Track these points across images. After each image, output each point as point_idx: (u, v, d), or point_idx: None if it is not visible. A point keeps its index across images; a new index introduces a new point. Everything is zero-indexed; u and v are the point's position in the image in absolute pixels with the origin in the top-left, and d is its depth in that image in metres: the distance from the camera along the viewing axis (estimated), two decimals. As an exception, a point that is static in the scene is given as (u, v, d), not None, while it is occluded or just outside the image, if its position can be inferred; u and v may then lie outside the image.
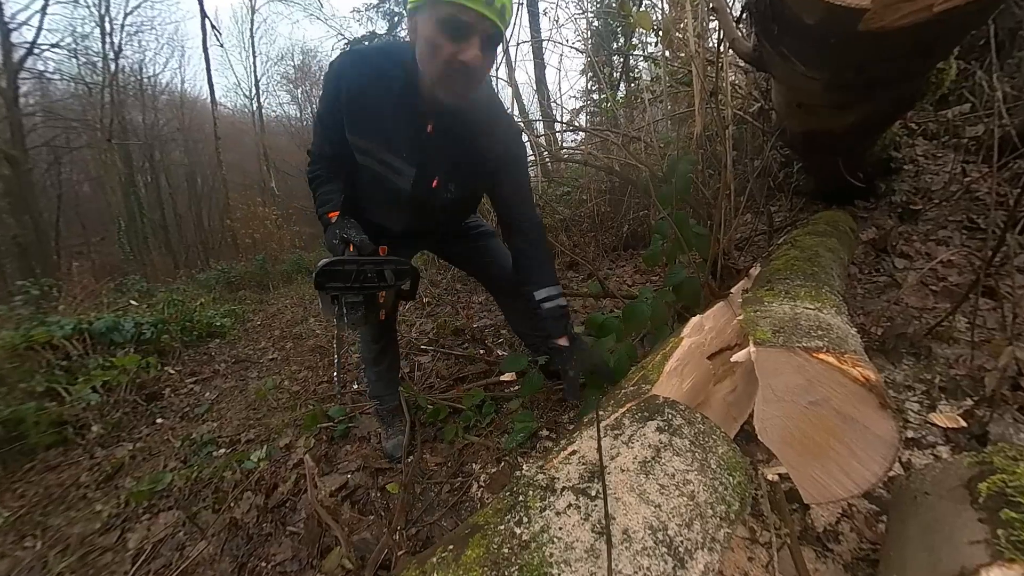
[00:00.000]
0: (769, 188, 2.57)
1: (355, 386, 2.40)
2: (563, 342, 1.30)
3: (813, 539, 0.93)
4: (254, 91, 18.23)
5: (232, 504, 1.57)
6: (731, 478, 0.64)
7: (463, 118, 1.13)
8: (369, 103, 1.10)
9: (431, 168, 1.18)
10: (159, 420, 2.68)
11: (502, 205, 1.33)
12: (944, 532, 0.62)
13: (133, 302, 4.83)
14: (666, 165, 1.68)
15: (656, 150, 2.58)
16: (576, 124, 3.94)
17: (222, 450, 2.07)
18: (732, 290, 1.29)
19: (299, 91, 21.33)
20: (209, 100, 12.39)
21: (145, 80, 15.89)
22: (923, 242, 2.00)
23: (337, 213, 1.18)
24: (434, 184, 1.21)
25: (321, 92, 1.18)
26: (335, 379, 2.43)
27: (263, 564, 1.29)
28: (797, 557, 0.78)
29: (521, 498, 0.60)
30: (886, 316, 1.61)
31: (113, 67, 13.44)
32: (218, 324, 4.66)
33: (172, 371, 3.51)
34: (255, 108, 18.22)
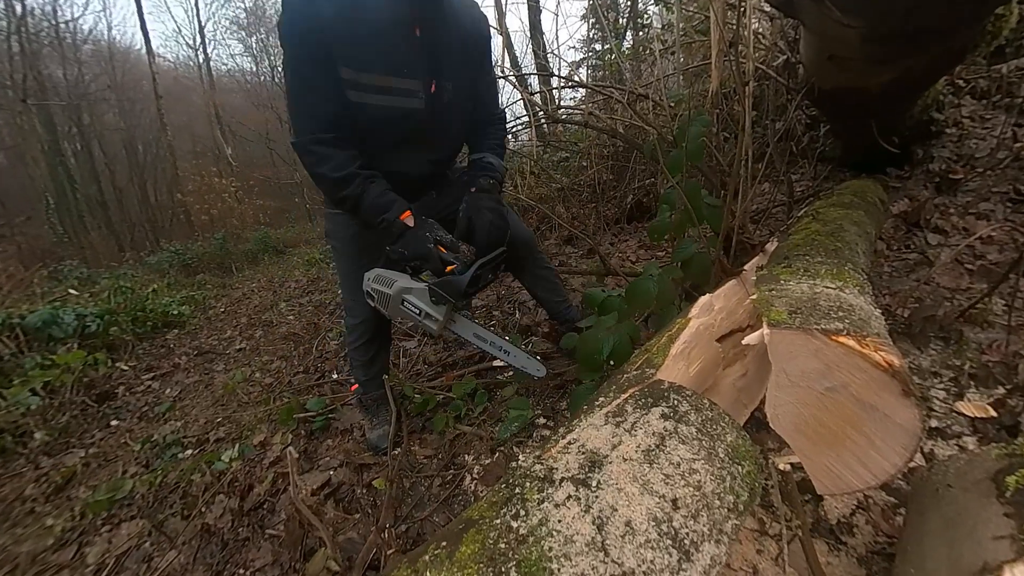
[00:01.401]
0: (791, 154, 2.56)
1: (334, 376, 2.42)
2: (472, 188, 1.33)
3: (826, 531, 0.98)
4: (199, 40, 17.36)
5: (203, 509, 1.60)
6: (740, 467, 0.67)
7: (441, 9, 1.16)
8: (357, 28, 1.08)
9: (430, 72, 1.20)
10: (114, 422, 2.69)
11: (476, 101, 1.37)
12: (967, 526, 0.66)
13: (72, 291, 4.76)
14: (676, 127, 1.67)
15: (666, 110, 2.54)
16: (576, 79, 3.86)
17: (189, 451, 2.09)
18: (746, 267, 1.31)
19: (252, 40, 20.26)
20: (144, 51, 11.83)
21: (62, 26, 14.74)
22: (961, 216, 2.00)
23: (410, 213, 1.19)
24: (432, 89, 1.22)
25: (288, 44, 1.11)
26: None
27: (241, 571, 1.33)
28: (809, 550, 0.82)
29: (518, 490, 0.62)
30: (914, 297, 1.64)
31: (19, 8, 12.40)
32: (175, 313, 4.63)
33: (125, 367, 3.50)
34: (201, 61, 17.40)
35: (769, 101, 2.64)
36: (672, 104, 2.59)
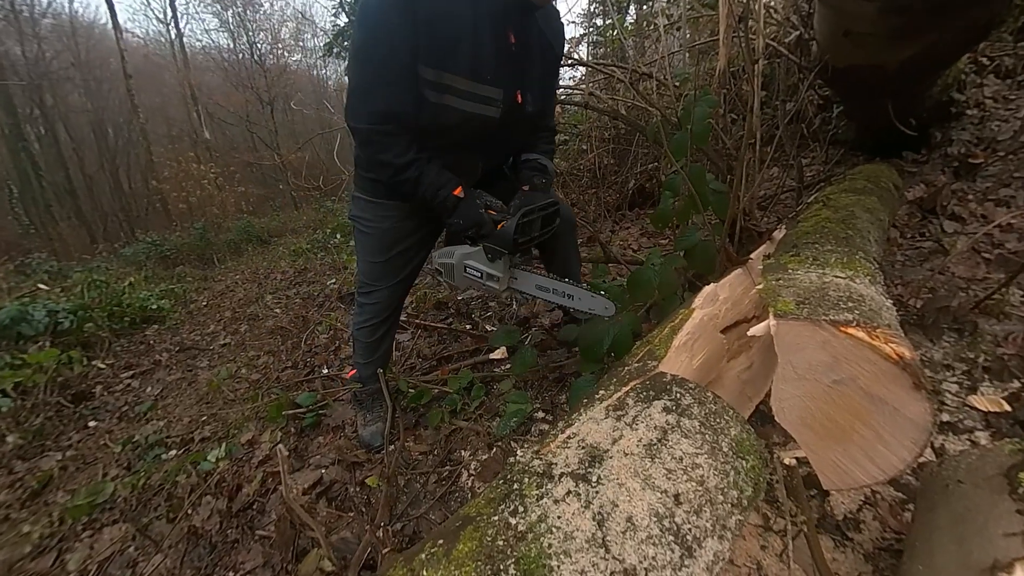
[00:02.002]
0: (802, 136, 2.56)
1: (325, 371, 2.43)
2: (525, 188, 1.43)
3: (832, 527, 1.00)
4: (170, 13, 16.54)
5: (190, 511, 1.61)
6: (744, 462, 0.68)
7: (535, 17, 1.21)
8: (451, 27, 1.10)
9: (515, 83, 1.26)
10: (92, 423, 2.68)
11: (542, 106, 1.42)
12: (977, 523, 0.67)
13: (42, 286, 4.69)
14: (681, 108, 1.66)
15: (670, 89, 2.53)
16: (575, 58, 3.82)
17: (173, 452, 2.10)
18: (752, 255, 1.32)
19: (229, 13, 19.61)
20: (111, 25, 11.38)
21: (18, -1, 13.96)
22: (980, 202, 2.01)
23: (461, 188, 1.28)
24: (518, 100, 1.30)
25: (371, 29, 1.12)
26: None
27: (230, 574, 1.34)
28: (814, 546, 0.84)
29: (516, 486, 0.64)
30: (928, 287, 1.65)
31: (-33, -22, 11.66)
32: (154, 307, 4.58)
33: (102, 365, 3.48)
34: (173, 36, 16.67)
35: (780, 80, 2.63)
36: (677, 83, 2.58)
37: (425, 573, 0.55)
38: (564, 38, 1.45)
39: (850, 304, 0.77)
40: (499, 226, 1.30)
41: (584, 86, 3.59)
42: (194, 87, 14.74)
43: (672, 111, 2.15)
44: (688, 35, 3.44)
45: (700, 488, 0.62)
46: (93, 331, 3.84)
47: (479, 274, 1.38)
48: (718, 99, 1.88)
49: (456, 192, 1.28)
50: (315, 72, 22.06)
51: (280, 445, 1.76)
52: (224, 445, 1.92)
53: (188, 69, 15.93)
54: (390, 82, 1.15)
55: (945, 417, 1.20)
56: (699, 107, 1.54)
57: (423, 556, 0.58)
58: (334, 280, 4.27)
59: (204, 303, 5.18)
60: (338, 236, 6.60)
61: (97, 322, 3.93)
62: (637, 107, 2.89)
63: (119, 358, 3.69)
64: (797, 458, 0.79)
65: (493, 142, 1.38)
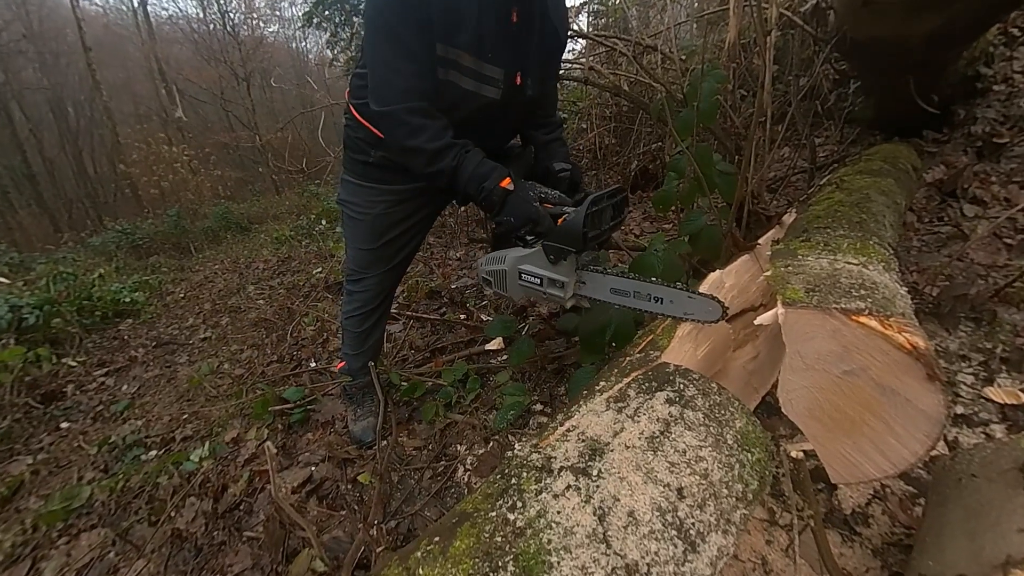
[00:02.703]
0: (815, 114, 2.55)
1: (312, 364, 2.45)
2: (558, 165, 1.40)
3: (839, 522, 1.02)
4: None
5: (173, 513, 1.63)
6: (750, 455, 0.70)
7: None
8: (459, 3, 1.11)
9: (515, 64, 1.26)
10: (64, 424, 2.68)
11: (543, 91, 1.41)
12: (990, 518, 0.69)
13: (3, 279, 4.65)
14: (688, 83, 1.65)
15: (676, 63, 2.51)
16: (575, 30, 3.77)
17: (153, 452, 2.11)
18: (760, 241, 1.33)
19: None
20: None
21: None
22: (1003, 184, 2.00)
23: (510, 179, 1.20)
24: (517, 81, 1.29)
25: (386, 5, 1.13)
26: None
27: (218, 577, 1.37)
28: (821, 541, 0.86)
29: (514, 481, 0.65)
30: (945, 274, 1.66)
31: None
32: (127, 300, 4.57)
33: (73, 363, 3.46)
34: (136, 5, 16.07)
35: (794, 53, 2.61)
36: (683, 57, 2.56)
37: (421, 572, 0.57)
38: (568, 23, 1.45)
39: (862, 292, 0.78)
40: (559, 220, 1.15)
41: (584, 60, 3.56)
42: (161, 61, 14.39)
43: (678, 87, 2.15)
44: (696, 4, 3.41)
45: (704, 482, 0.64)
46: (62, 327, 3.81)
47: (538, 280, 1.22)
48: (727, 74, 1.87)
49: (504, 184, 1.19)
50: (294, 45, 21.71)
51: (268, 442, 1.77)
52: (207, 444, 1.93)
53: (154, 41, 15.55)
54: (418, 59, 1.15)
55: (959, 409, 1.22)
56: (707, 83, 1.54)
57: (419, 554, 0.59)
58: (320, 269, 4.26)
59: (181, 295, 5.17)
60: (324, 222, 6.57)
61: (66, 317, 3.91)
62: (640, 82, 2.87)
63: (91, 355, 3.69)
64: (804, 451, 0.81)
65: (493, 125, 1.37)
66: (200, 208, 10.22)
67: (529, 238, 1.22)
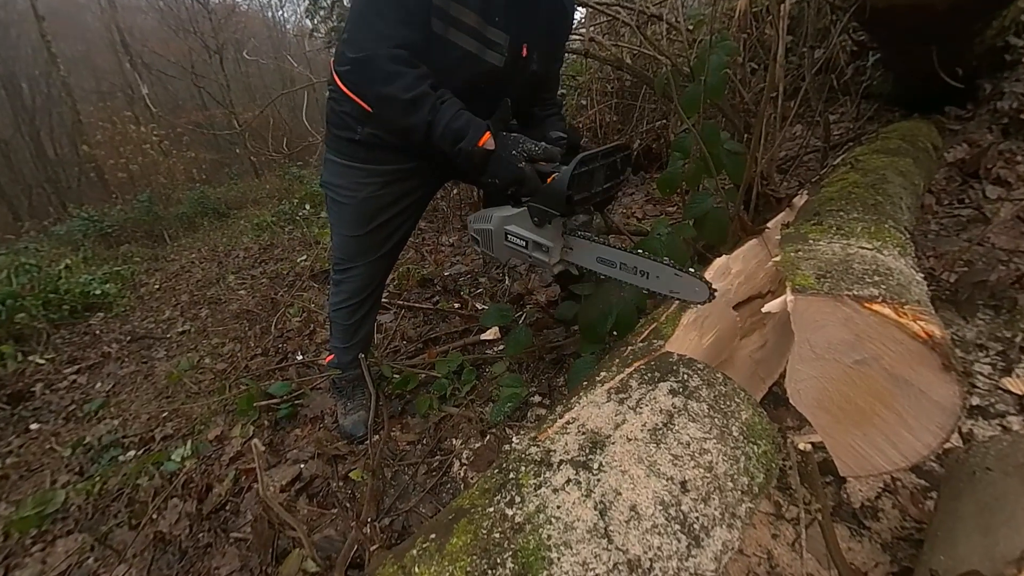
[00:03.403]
0: (831, 89, 2.54)
1: (299, 357, 2.46)
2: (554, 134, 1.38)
3: (848, 516, 1.05)
4: None
5: (155, 516, 1.64)
6: (755, 447, 0.71)
7: None
8: None
9: (522, 33, 1.25)
10: (34, 425, 2.68)
11: (543, 78, 1.43)
12: (1005, 512, 0.71)
13: None
14: (695, 56, 1.64)
15: (683, 34, 2.49)
16: (577, -2, 3.73)
17: (131, 453, 2.12)
18: (769, 224, 1.33)
19: None
20: None
21: None
22: (1030, 164, 2.00)
23: (489, 135, 1.16)
24: (523, 53, 1.28)
25: None
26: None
27: (205, 580, 1.39)
28: (829, 535, 0.88)
29: (512, 475, 0.66)
30: (964, 259, 1.68)
31: None
32: (98, 293, 4.53)
33: (41, 361, 3.46)
34: None
35: (809, 23, 2.58)
36: (691, 27, 2.54)
37: (417, 570, 0.58)
38: (574, 9, 1.48)
39: (876, 278, 0.79)
40: (549, 180, 1.13)
41: (584, 30, 3.52)
42: (124, 32, 14.03)
43: (684, 59, 2.13)
44: (704, -29, 3.37)
45: (708, 475, 0.65)
46: (27, 322, 3.79)
47: (523, 243, 1.22)
48: (737, 45, 1.86)
49: (482, 143, 1.14)
50: (269, 14, 21.31)
51: (255, 440, 1.79)
52: (190, 443, 1.95)
53: (114, 10, 15.10)
54: (407, 5, 1.12)
55: (975, 400, 1.24)
56: (715, 55, 1.52)
57: (414, 552, 0.60)
58: (305, 257, 4.25)
59: (156, 286, 5.14)
60: (307, 207, 6.54)
61: (31, 312, 3.88)
62: (644, 55, 2.85)
63: (60, 352, 3.67)
64: (812, 443, 0.82)
65: (494, 97, 1.31)
66: (173, 193, 10.08)
67: (517, 197, 1.21)
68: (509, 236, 1.24)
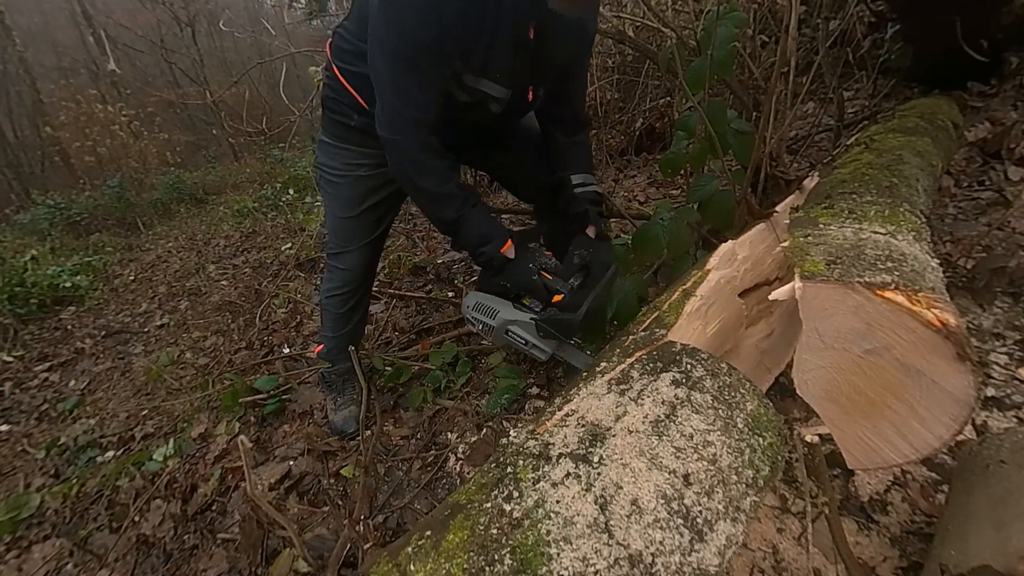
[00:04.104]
0: (845, 63, 2.53)
1: (286, 350, 2.46)
2: (590, 232, 1.43)
3: (856, 509, 1.07)
4: None
5: (137, 518, 1.66)
6: (761, 439, 0.73)
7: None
8: (473, 26, 1.14)
9: (526, 80, 1.31)
10: (4, 427, 2.70)
11: (564, 95, 1.46)
12: (1019, 506, 0.73)
13: None
14: (701, 28, 1.63)
15: (688, 4, 2.47)
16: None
17: (110, 453, 2.14)
18: (778, 208, 1.34)
19: None
20: None
21: None
22: (1057, 144, 1.99)
23: (511, 243, 1.30)
24: (528, 97, 1.35)
25: (406, 25, 1.13)
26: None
27: (192, 583, 1.41)
28: (835, 528, 0.90)
29: (510, 470, 0.68)
30: (982, 244, 1.68)
31: None
32: (68, 285, 4.54)
33: (9, 358, 3.48)
34: None
35: (825, -8, 2.56)
36: (698, -1, 2.52)
37: (413, 568, 0.59)
38: (596, 18, 1.49)
39: (889, 264, 0.79)
40: (556, 298, 1.26)
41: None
42: (85, 2, 13.71)
43: (690, 31, 2.11)
44: (713, -64, 3.33)
45: (712, 468, 0.67)
46: (-9, 318, 3.77)
47: (524, 342, 1.34)
48: (746, 16, 1.84)
49: (504, 249, 1.29)
50: (246, -17, 20.87)
51: (242, 436, 1.80)
52: (172, 441, 1.96)
53: (72, -22, 14.75)
54: (432, 87, 1.19)
55: (990, 391, 1.26)
56: (723, 27, 1.51)
57: (410, 550, 0.62)
58: (289, 244, 4.24)
59: (131, 277, 5.14)
60: (291, 191, 6.50)
61: (-5, 307, 3.86)
62: (648, 27, 2.82)
63: (30, 348, 3.69)
64: (819, 435, 0.84)
65: (486, 127, 1.45)
66: (146, 178, 9.99)
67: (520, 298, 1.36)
68: (510, 333, 1.35)
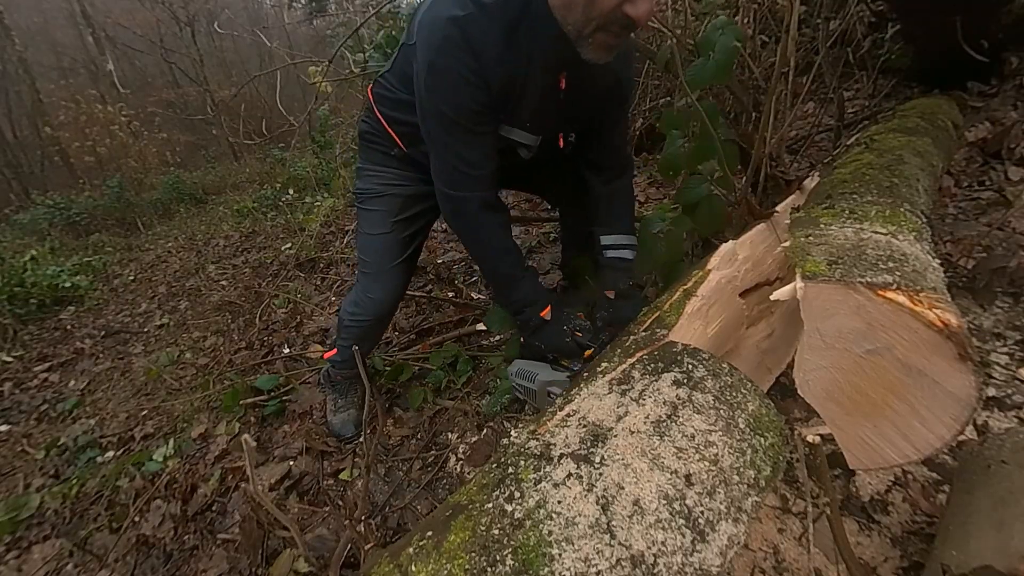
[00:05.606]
0: (846, 63, 2.53)
1: (286, 350, 2.46)
2: (610, 294, 1.49)
3: (857, 509, 1.07)
4: None
5: (137, 519, 1.66)
6: (762, 439, 0.73)
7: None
8: (513, 79, 1.19)
9: (557, 128, 1.37)
10: (3, 427, 2.70)
11: (599, 141, 1.49)
12: (1021, 506, 0.73)
13: None
14: (700, 34, 1.62)
15: (687, 7, 2.46)
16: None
17: (110, 453, 2.14)
18: (778, 208, 1.34)
19: None
20: None
21: None
22: (1057, 144, 1.99)
23: (550, 308, 1.38)
24: (560, 144, 1.41)
25: (453, 84, 1.16)
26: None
27: (192, 584, 1.41)
28: (837, 529, 0.90)
29: (511, 470, 0.68)
30: (982, 244, 1.68)
31: None
32: (68, 285, 4.53)
33: (8, 359, 3.48)
34: None
35: (826, -9, 2.56)
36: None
37: (414, 568, 0.59)
38: (633, 61, 1.55)
39: (890, 264, 0.79)
40: (587, 353, 1.35)
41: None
42: (84, 2, 13.68)
43: (689, 32, 2.10)
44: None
45: (714, 468, 0.67)
46: (-9, 318, 3.77)
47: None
48: (745, 31, 1.83)
49: (543, 313, 1.37)
50: (244, -18, 20.83)
51: (245, 435, 1.80)
52: (172, 441, 1.96)
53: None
54: (480, 141, 1.24)
55: (991, 391, 1.26)
56: (724, 36, 1.49)
57: (411, 550, 0.62)
58: (289, 244, 4.24)
59: (131, 277, 5.14)
60: (291, 192, 6.49)
61: (-6, 306, 3.86)
62: (647, 27, 2.82)
63: (29, 348, 3.69)
64: (820, 435, 0.83)
65: (516, 171, 1.49)
66: (146, 178, 9.99)
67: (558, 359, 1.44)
68: (550, 393, 1.43)
